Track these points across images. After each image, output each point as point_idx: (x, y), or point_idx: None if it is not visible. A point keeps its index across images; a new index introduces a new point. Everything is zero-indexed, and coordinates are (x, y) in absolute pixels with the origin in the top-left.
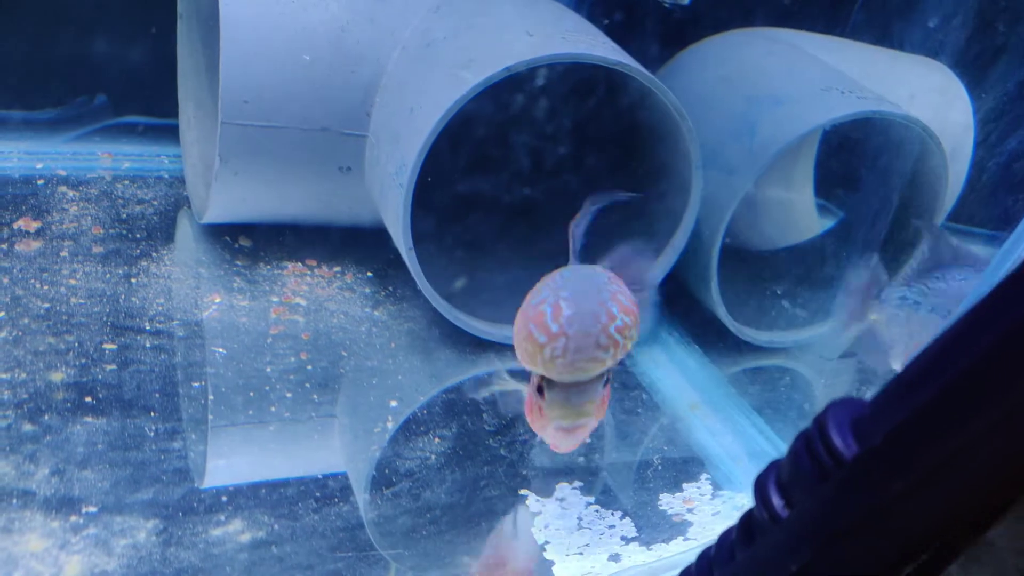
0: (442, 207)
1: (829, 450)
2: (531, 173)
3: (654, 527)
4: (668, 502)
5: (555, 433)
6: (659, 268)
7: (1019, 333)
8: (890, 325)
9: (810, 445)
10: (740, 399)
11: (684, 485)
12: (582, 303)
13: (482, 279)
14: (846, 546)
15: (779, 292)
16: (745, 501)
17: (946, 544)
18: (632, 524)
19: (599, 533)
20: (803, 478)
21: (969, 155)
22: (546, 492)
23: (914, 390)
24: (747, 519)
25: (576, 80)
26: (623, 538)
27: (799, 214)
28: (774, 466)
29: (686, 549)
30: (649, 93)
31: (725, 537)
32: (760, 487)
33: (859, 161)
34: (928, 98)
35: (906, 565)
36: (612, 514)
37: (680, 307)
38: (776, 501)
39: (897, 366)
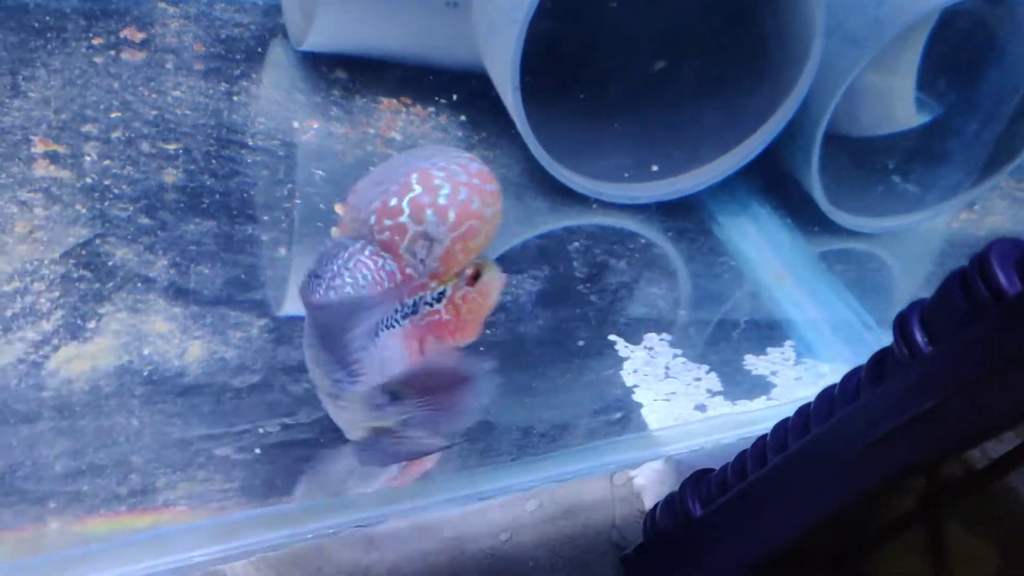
0: (545, 59)
1: (989, 286)
2: (636, 32)
3: (738, 384)
4: (752, 363)
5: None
6: (765, 134)
7: None
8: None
9: (966, 281)
10: (828, 274)
11: (768, 349)
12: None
13: (579, 134)
14: (987, 387)
15: (890, 167)
16: (827, 370)
17: None
18: (717, 379)
19: (685, 383)
20: (954, 314)
21: None
22: (635, 339)
23: None
24: (880, 357)
25: None
26: (709, 391)
27: (898, 103)
28: (917, 305)
29: (768, 406)
30: None
31: (850, 377)
32: (902, 323)
33: (971, 54)
34: None
35: None
36: (698, 367)
37: (772, 181)
38: (919, 337)
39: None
